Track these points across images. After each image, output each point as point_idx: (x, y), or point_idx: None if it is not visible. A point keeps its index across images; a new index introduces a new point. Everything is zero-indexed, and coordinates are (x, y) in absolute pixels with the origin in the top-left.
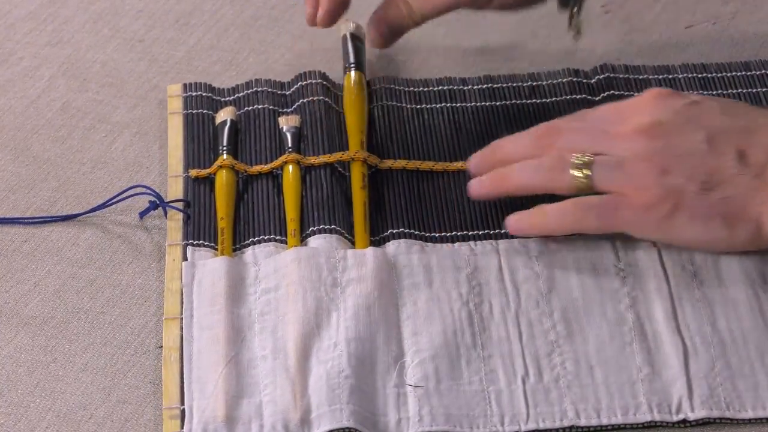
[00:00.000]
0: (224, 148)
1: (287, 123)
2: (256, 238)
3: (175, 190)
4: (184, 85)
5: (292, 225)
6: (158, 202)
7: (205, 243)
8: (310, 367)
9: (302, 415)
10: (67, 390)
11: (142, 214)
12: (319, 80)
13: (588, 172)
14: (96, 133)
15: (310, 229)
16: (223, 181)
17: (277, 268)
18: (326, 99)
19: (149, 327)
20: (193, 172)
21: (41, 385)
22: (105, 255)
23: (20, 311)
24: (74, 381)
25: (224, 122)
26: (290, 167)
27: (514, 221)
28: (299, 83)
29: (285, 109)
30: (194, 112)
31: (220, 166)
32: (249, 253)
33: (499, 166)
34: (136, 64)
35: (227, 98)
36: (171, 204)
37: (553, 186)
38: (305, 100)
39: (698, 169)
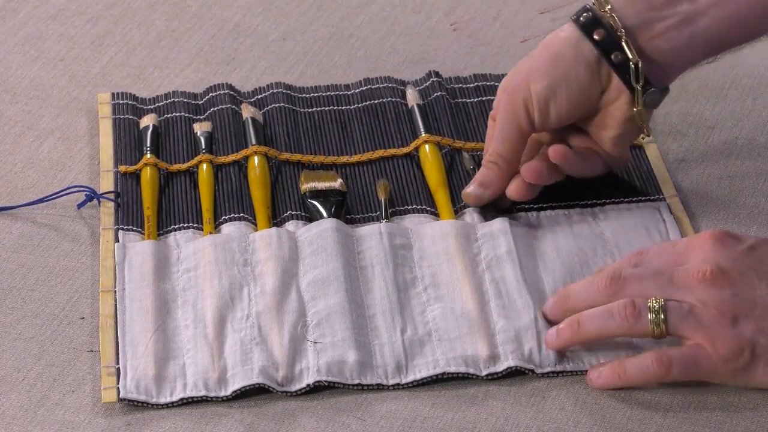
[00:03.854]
0: (148, 149)
1: (201, 128)
2: (177, 226)
3: (106, 183)
4: (112, 94)
5: (206, 214)
6: (93, 195)
7: (134, 228)
8: (225, 334)
9: (219, 374)
10: (3, 356)
11: (80, 205)
12: (227, 91)
13: (662, 317)
14: (25, 139)
15: (223, 217)
16: (147, 176)
17: (196, 251)
18: (233, 107)
19: (73, 302)
20: (122, 168)
21: None
22: (34, 241)
23: None
24: (9, 348)
25: (147, 127)
26: (204, 166)
27: (595, 377)
28: (210, 94)
29: (198, 116)
30: (121, 117)
31: (145, 164)
32: (171, 238)
33: (570, 314)
34: (58, 79)
35: (149, 106)
36: (104, 195)
37: (630, 332)
38: (215, 109)
39: (766, 319)
